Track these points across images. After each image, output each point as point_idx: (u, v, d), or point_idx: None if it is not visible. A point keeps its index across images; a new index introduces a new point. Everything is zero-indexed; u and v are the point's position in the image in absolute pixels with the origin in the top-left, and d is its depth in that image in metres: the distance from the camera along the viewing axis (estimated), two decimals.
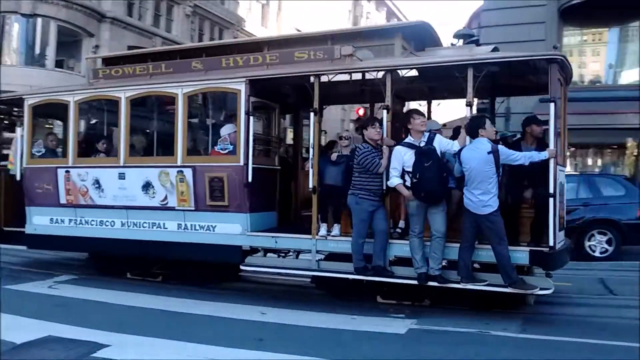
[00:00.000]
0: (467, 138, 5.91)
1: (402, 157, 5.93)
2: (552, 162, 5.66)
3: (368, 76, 6.99)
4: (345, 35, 7.04)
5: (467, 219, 5.77)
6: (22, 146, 8.24)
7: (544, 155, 5.68)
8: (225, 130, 7.13)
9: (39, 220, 8.10)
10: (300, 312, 6.31)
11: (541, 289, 5.65)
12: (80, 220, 7.76)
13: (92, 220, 7.67)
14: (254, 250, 6.97)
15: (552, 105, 5.65)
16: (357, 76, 7.10)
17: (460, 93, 6.60)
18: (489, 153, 5.59)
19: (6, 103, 9.30)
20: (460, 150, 5.85)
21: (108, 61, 8.54)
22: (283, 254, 7.28)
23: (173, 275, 7.91)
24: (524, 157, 5.72)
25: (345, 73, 6.81)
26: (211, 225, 6.99)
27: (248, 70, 6.94)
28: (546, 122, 6.19)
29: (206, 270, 7.67)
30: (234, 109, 7.05)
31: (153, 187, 7.25)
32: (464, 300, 6.34)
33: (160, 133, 7.84)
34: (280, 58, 6.93)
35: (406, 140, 6.05)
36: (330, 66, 6.61)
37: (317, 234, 6.55)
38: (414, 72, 6.80)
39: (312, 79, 6.55)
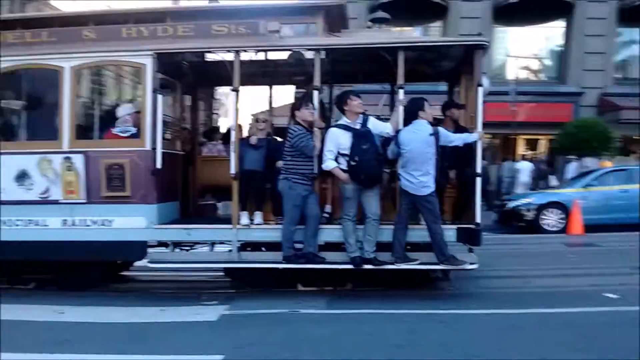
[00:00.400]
0: (401, 120, 5.85)
1: (338, 140, 5.69)
2: (479, 144, 5.86)
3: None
4: (263, 10, 6.50)
5: (405, 200, 5.75)
6: None
7: (474, 137, 5.85)
8: (123, 110, 6.29)
9: None
10: (102, 308, 5.74)
11: (470, 263, 5.80)
12: None
13: None
14: (161, 246, 6.19)
15: (480, 89, 5.85)
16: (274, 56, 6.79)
17: (375, 77, 6.72)
18: (430, 135, 5.60)
19: None
20: (397, 132, 5.76)
21: None
22: (187, 248, 6.55)
23: (52, 280, 6.63)
24: (459, 138, 5.87)
25: (274, 50, 6.46)
26: (107, 220, 6.01)
27: (154, 43, 6.07)
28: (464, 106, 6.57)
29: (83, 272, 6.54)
30: (135, 86, 6.28)
31: (30, 177, 6.05)
32: (382, 282, 6.32)
33: (39, 113, 6.61)
34: (196, 30, 6.15)
35: (341, 122, 5.84)
36: (256, 42, 6.08)
37: (238, 224, 6.01)
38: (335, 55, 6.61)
39: (232, 55, 6.00)
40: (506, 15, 18.03)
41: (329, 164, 5.68)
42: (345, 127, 5.71)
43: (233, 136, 6.07)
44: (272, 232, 6.00)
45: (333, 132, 5.77)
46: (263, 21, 6.04)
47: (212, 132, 7.92)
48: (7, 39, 6.29)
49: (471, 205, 5.92)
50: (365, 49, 6.27)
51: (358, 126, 5.71)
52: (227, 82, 6.35)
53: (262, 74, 7.42)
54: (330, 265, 5.88)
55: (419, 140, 5.61)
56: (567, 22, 18.50)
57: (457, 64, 6.79)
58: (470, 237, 5.92)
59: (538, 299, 5.93)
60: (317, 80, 5.96)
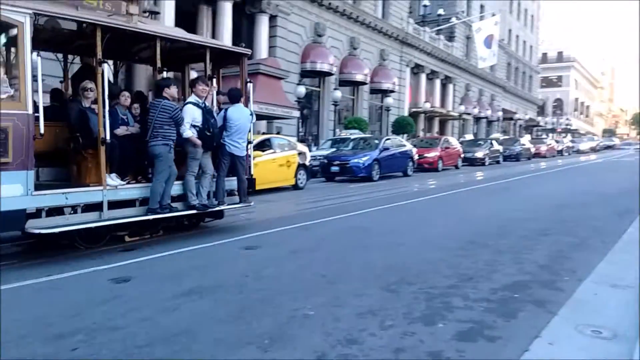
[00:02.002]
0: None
1: (193, 114, 7.26)
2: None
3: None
4: None
5: (227, 160, 7.90)
6: None
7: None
8: None
9: None
10: None
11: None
12: None
13: None
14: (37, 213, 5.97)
15: (250, 85, 8.53)
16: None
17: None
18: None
19: None
20: (224, 110, 7.94)
21: None
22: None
23: None
24: None
25: (132, 31, 6.95)
26: None
27: (27, 2, 5.77)
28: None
29: None
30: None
31: None
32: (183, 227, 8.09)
33: None
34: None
35: (192, 99, 7.40)
36: (117, 21, 6.71)
37: (106, 185, 6.54)
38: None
39: (97, 29, 6.33)
40: None
41: (188, 133, 7.18)
42: (196, 104, 7.33)
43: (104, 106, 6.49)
44: (134, 191, 6.99)
45: (190, 107, 7.28)
46: (125, 2, 6.92)
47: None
48: None
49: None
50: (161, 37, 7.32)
51: (202, 105, 7.39)
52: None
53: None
54: (183, 212, 7.42)
55: (244, 118, 7.99)
56: None
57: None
58: (251, 184, 8.49)
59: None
60: (158, 62, 7.15)
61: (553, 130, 69.16)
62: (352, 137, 21.01)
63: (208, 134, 7.31)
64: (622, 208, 10.36)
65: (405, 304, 4.51)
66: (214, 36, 19.97)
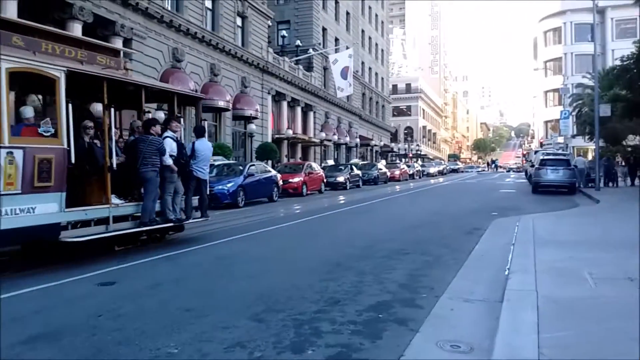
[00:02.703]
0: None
1: (172, 146, 8.81)
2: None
3: None
4: None
5: (194, 182, 9.63)
6: None
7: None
8: (29, 112, 7.33)
9: None
10: None
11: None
12: None
13: None
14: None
15: (205, 122, 10.51)
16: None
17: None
18: (211, 147, 10.27)
19: None
20: (192, 144, 9.83)
21: None
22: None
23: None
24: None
25: (128, 82, 9.00)
26: (31, 207, 6.71)
27: (64, 61, 7.48)
28: None
29: None
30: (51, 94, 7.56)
31: None
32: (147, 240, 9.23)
33: None
34: (89, 59, 8.13)
35: (169, 134, 8.96)
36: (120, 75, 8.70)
37: (111, 204, 8.12)
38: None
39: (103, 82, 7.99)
40: None
41: (169, 161, 8.70)
42: (173, 138, 8.96)
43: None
44: (132, 208, 8.59)
45: (168, 140, 8.80)
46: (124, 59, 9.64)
47: None
48: None
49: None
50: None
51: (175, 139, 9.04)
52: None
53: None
54: (163, 225, 9.01)
55: (207, 149, 9.96)
56: None
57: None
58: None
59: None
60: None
61: (405, 156, 74.27)
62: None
63: (182, 161, 9.04)
64: (470, 227, 11.32)
65: (274, 332, 4.42)
66: None
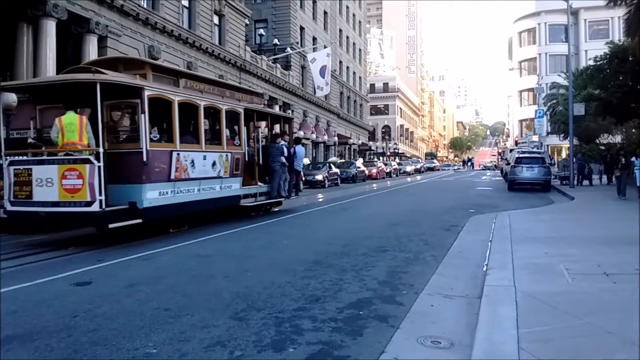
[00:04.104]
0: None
1: (284, 150, 14.32)
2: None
3: None
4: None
5: (294, 172, 15.22)
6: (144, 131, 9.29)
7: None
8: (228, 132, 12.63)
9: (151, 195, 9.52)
10: None
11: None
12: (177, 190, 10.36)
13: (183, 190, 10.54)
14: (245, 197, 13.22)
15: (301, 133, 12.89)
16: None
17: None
18: (304, 150, 15.80)
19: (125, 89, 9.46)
20: (292, 149, 15.18)
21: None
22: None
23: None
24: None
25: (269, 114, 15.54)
26: (231, 185, 12.29)
27: (242, 102, 13.42)
28: None
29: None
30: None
31: (216, 164, 11.60)
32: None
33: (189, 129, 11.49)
34: (250, 100, 14.10)
35: (283, 143, 14.54)
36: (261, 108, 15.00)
37: (258, 184, 13.80)
38: None
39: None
40: None
41: (285, 161, 14.40)
42: (285, 146, 14.50)
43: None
44: (263, 188, 14.07)
45: (282, 146, 14.25)
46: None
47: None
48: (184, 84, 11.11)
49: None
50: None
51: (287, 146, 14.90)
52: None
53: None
54: (279, 199, 14.76)
55: (302, 152, 15.97)
56: None
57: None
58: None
59: None
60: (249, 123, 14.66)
61: (383, 154, 74.62)
62: None
63: (290, 160, 14.75)
64: (448, 224, 11.41)
65: (254, 331, 4.38)
66: (35, 57, 18.23)
